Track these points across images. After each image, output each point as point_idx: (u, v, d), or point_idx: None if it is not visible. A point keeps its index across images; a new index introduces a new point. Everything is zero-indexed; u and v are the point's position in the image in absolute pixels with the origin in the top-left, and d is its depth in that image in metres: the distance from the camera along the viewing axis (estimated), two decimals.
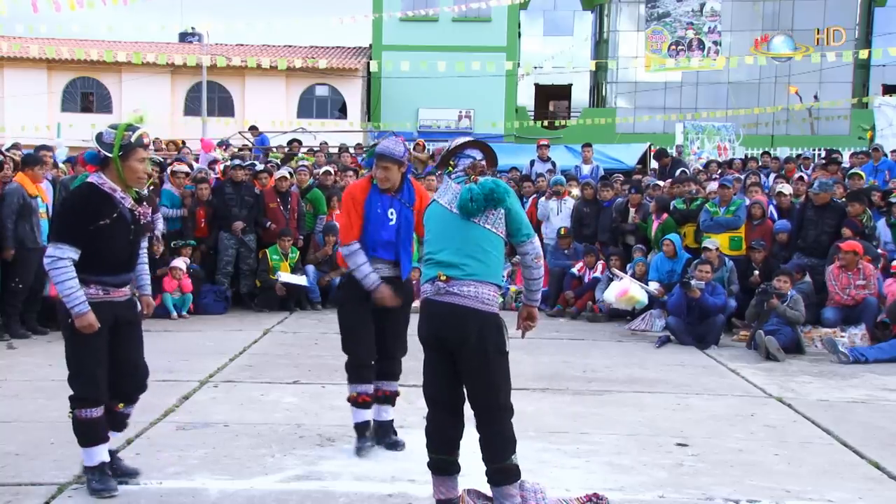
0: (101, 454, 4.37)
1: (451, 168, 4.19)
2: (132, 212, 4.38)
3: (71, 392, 4.37)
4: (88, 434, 4.36)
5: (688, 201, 11.30)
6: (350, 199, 5.17)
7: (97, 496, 4.29)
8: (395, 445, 5.14)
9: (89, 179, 4.34)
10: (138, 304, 4.64)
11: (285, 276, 10.86)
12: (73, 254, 4.19)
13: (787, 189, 11.36)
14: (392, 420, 5.25)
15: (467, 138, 4.32)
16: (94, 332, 4.23)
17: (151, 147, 4.56)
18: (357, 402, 5.13)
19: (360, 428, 5.15)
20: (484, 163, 4.18)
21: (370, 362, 5.14)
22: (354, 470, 4.78)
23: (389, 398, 5.22)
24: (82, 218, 4.22)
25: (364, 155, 5.29)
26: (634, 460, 5.07)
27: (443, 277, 3.92)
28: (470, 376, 3.94)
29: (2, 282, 8.90)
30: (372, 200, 5.08)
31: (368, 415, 5.18)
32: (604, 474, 4.80)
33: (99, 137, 4.30)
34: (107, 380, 4.38)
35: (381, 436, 5.20)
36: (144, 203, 4.47)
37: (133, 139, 4.28)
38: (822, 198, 10.21)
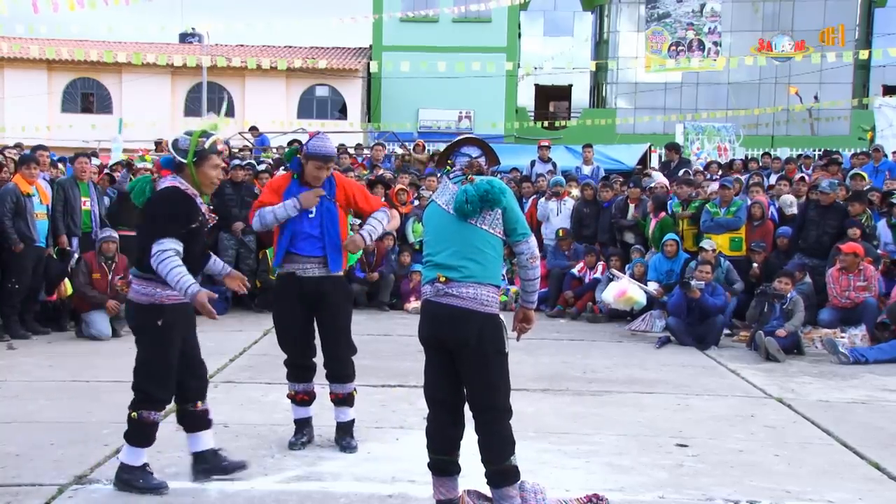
0: (144, 456, 4.43)
1: (448, 167, 4.17)
2: (206, 216, 4.52)
3: (141, 393, 4.38)
4: (145, 435, 4.42)
5: (684, 204, 11.26)
6: (269, 187, 5.19)
7: (151, 494, 4.33)
8: (347, 448, 5.11)
9: (173, 183, 4.38)
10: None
11: None
12: (178, 246, 4.24)
13: (793, 208, 11.23)
14: (351, 421, 5.22)
15: (465, 135, 4.31)
16: (186, 327, 4.41)
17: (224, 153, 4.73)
18: (295, 399, 5.23)
19: (299, 423, 5.23)
20: (482, 160, 4.16)
21: (306, 362, 5.16)
22: (354, 470, 4.78)
23: (343, 400, 5.18)
24: (179, 220, 4.30)
25: (285, 155, 5.22)
26: (634, 461, 5.07)
27: (442, 279, 3.92)
28: (469, 377, 3.94)
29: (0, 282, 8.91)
30: (291, 193, 5.05)
31: (309, 412, 5.24)
32: (604, 475, 4.80)
33: (175, 144, 4.41)
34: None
35: (339, 437, 5.21)
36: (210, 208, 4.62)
37: (207, 145, 4.39)
38: (831, 198, 10.23)
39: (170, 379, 4.43)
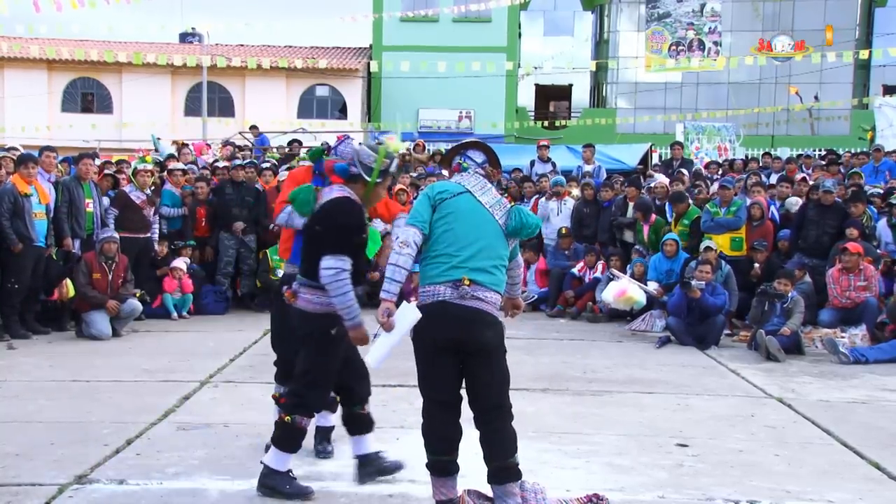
0: (290, 462, 4.44)
1: (465, 165, 4.20)
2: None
3: (298, 398, 4.40)
4: (296, 441, 4.44)
5: (677, 218, 11.14)
6: (293, 181, 5.10)
7: (299, 500, 4.31)
8: (322, 453, 5.03)
9: (343, 193, 4.38)
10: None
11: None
12: (349, 265, 4.25)
13: (795, 206, 11.19)
14: (331, 427, 5.11)
15: (471, 139, 4.37)
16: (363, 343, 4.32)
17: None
18: (279, 402, 5.05)
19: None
20: (486, 167, 4.23)
21: (293, 365, 5.06)
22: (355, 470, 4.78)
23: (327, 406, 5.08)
24: (354, 231, 4.34)
25: (310, 155, 5.18)
26: (634, 461, 5.07)
27: (467, 282, 3.89)
28: (481, 377, 3.94)
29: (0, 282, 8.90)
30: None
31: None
32: (604, 475, 4.80)
33: (357, 154, 4.43)
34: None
35: (316, 440, 5.10)
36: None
37: (392, 168, 4.44)
38: (831, 198, 10.24)
39: (329, 389, 4.50)
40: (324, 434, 5.12)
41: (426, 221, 4.01)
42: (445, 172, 4.34)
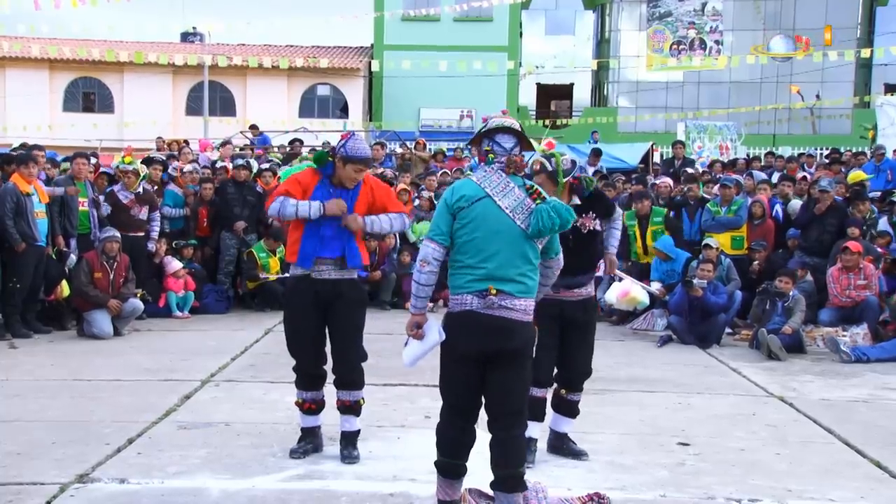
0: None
1: (491, 156, 3.97)
2: None
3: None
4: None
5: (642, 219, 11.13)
6: (296, 181, 4.99)
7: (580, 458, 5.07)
8: (348, 458, 4.92)
9: None
10: None
11: (272, 276, 10.90)
12: None
13: (796, 204, 11.21)
14: (356, 431, 5.02)
15: (504, 120, 4.05)
16: None
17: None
18: (302, 408, 5.08)
19: (304, 432, 5.10)
20: (516, 150, 4.00)
21: (318, 371, 5.00)
22: (356, 469, 4.79)
23: (349, 408, 4.97)
24: None
25: (315, 158, 5.09)
26: (636, 459, 5.07)
27: (493, 291, 3.79)
28: (504, 382, 3.83)
29: (2, 281, 8.91)
30: (319, 196, 4.85)
31: (317, 420, 5.10)
32: (605, 473, 4.80)
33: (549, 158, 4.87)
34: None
35: (342, 446, 5.02)
36: None
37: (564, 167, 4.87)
38: (829, 198, 10.24)
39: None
40: (350, 439, 5.01)
41: (445, 234, 3.90)
42: (474, 152, 4.25)
